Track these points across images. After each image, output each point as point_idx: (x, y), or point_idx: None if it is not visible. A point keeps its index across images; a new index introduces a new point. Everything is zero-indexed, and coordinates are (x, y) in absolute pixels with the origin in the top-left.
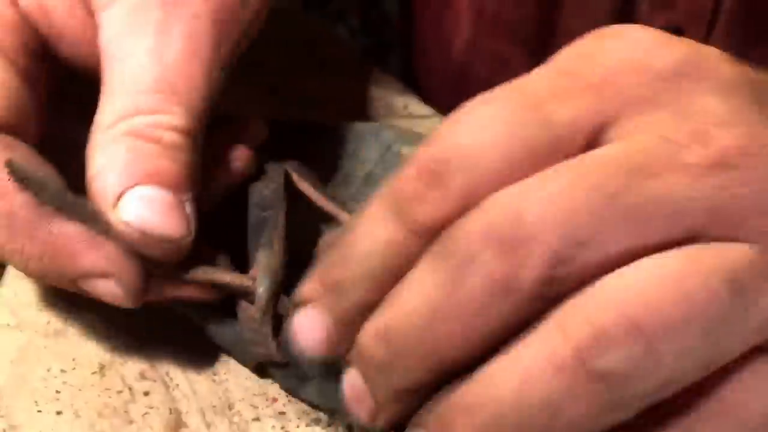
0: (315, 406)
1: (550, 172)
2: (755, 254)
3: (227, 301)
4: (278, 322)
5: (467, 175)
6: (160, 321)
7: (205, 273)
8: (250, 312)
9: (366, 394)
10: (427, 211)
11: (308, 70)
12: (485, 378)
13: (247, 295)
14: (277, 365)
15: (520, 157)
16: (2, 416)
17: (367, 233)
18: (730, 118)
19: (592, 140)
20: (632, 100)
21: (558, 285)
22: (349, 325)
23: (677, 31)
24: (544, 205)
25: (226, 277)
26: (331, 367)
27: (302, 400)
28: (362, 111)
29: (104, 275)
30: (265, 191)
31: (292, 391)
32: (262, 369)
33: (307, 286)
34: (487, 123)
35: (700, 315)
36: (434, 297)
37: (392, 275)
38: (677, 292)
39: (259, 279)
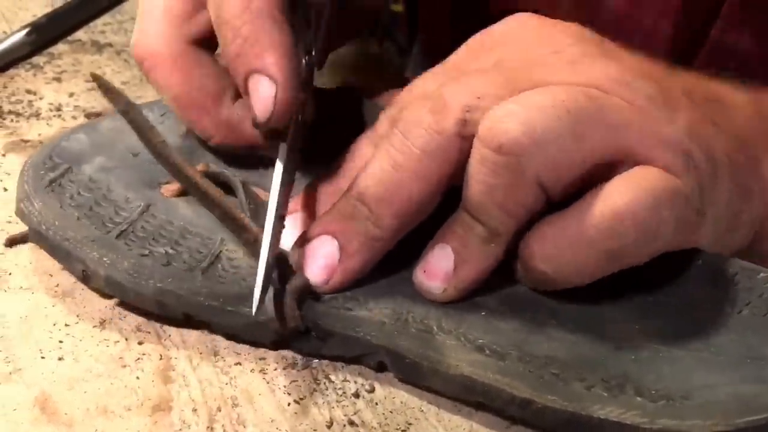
0: (340, 358)
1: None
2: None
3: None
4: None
5: None
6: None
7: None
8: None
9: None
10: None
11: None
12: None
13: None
14: (296, 335)
15: None
16: (9, 362)
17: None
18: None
19: None
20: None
21: (470, 126)
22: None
23: None
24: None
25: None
26: (349, 322)
27: (326, 357)
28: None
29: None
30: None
31: (315, 353)
32: (279, 343)
33: None
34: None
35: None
36: (394, 155)
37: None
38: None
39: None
